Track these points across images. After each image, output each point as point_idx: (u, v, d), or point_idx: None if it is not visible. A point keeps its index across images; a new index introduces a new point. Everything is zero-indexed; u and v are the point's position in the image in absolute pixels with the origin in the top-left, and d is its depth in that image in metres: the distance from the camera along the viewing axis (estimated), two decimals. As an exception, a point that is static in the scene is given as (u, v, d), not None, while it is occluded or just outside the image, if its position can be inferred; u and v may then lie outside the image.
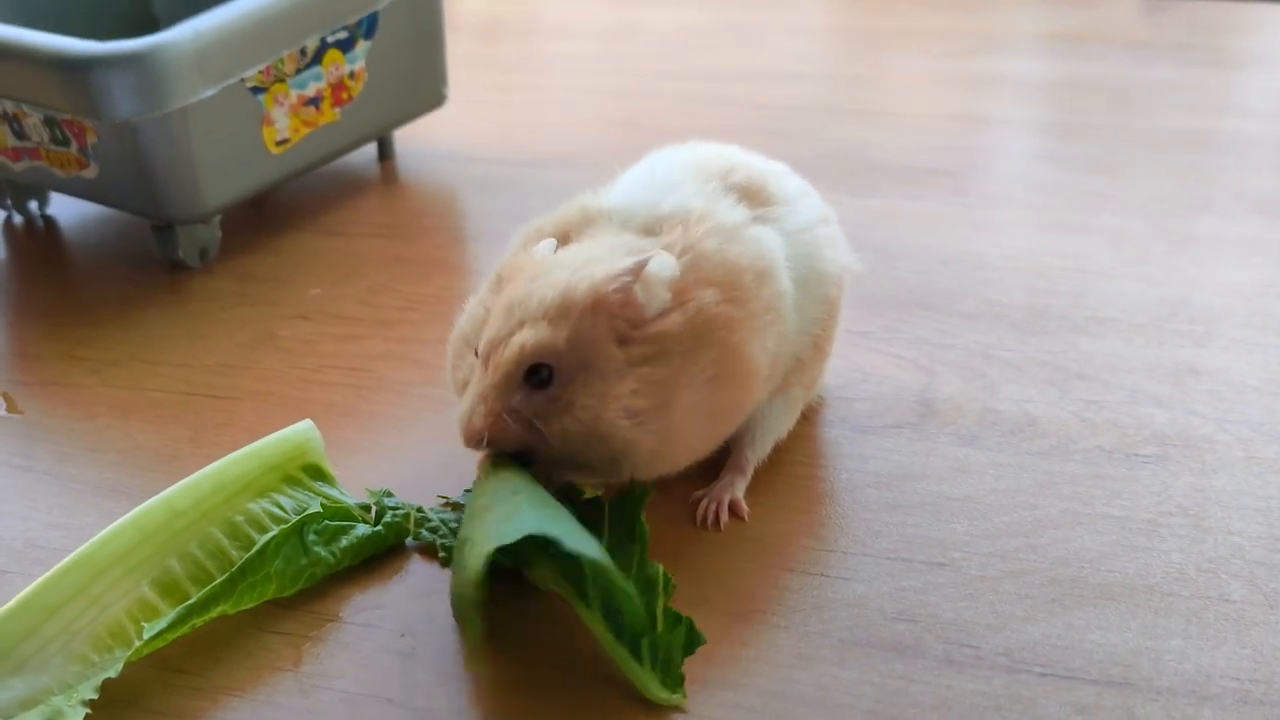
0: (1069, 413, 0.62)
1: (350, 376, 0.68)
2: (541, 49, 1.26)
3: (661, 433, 0.50)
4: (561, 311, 0.49)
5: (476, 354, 0.52)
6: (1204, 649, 0.48)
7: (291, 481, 0.55)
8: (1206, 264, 0.76)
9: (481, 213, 0.89)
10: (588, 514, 0.51)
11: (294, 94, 0.80)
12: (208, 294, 0.78)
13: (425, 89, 0.91)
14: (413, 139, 0.97)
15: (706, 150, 0.59)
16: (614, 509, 0.52)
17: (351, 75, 0.84)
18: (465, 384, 0.53)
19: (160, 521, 0.51)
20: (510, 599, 0.51)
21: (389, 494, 0.57)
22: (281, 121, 0.80)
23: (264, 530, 0.52)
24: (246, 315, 0.75)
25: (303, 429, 0.56)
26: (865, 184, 0.89)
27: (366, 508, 0.55)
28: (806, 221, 0.57)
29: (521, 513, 0.47)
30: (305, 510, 0.53)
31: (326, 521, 0.53)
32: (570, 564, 0.47)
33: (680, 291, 0.51)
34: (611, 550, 0.48)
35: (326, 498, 0.55)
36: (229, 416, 0.65)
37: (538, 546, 0.48)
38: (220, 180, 0.77)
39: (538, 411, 0.50)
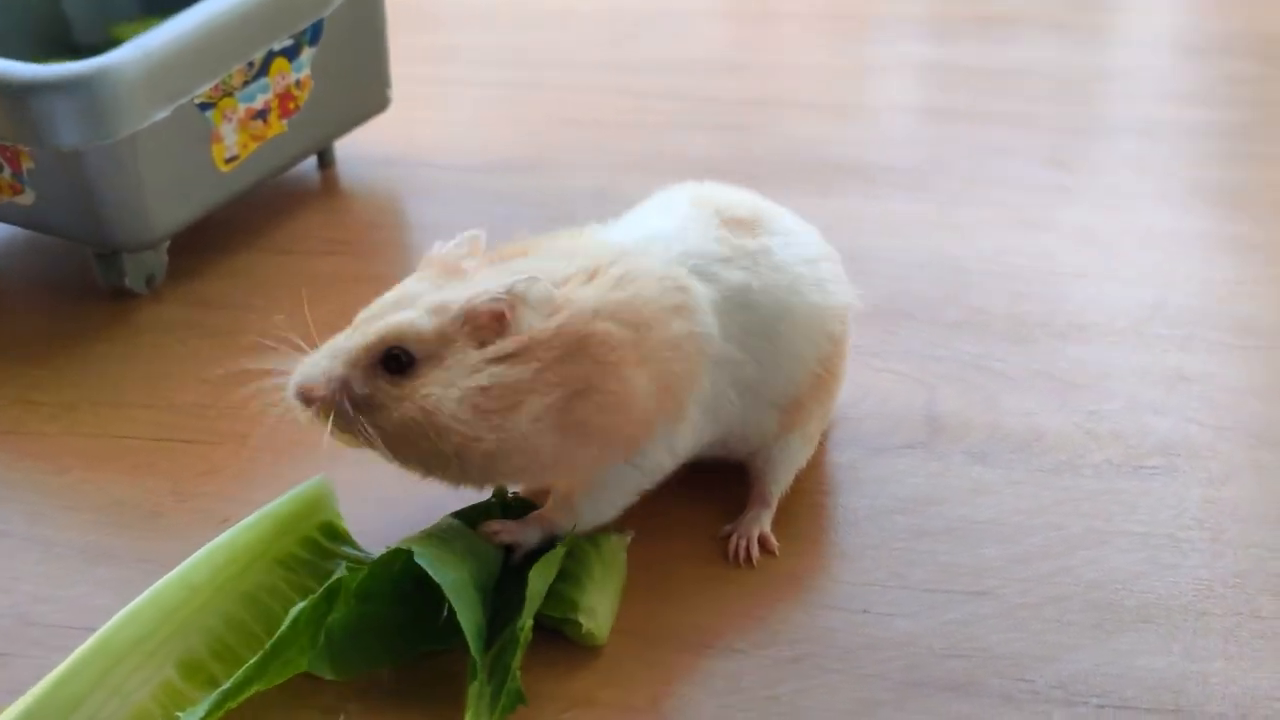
0: (1072, 425, 0.63)
1: (332, 412, 0.65)
2: (465, 40, 1.21)
3: (501, 433, 0.49)
4: (438, 310, 0.50)
5: None
6: (1246, 669, 0.49)
7: (307, 544, 0.52)
8: (1175, 261, 0.77)
9: (433, 224, 0.85)
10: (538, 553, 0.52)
11: (242, 108, 0.75)
12: (160, 325, 0.73)
13: (370, 93, 0.87)
14: (350, 144, 0.93)
15: (716, 188, 0.60)
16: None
17: (298, 84, 0.79)
18: None
19: (178, 600, 0.48)
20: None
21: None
22: (230, 138, 0.75)
23: (283, 598, 0.50)
24: (207, 348, 0.71)
25: (314, 485, 0.53)
26: (824, 184, 0.88)
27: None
28: (804, 255, 0.57)
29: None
30: (327, 574, 0.51)
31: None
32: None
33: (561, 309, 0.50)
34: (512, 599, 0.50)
35: (347, 558, 0.52)
36: (209, 464, 0.62)
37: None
38: (170, 204, 0.72)
39: (378, 400, 0.49)
